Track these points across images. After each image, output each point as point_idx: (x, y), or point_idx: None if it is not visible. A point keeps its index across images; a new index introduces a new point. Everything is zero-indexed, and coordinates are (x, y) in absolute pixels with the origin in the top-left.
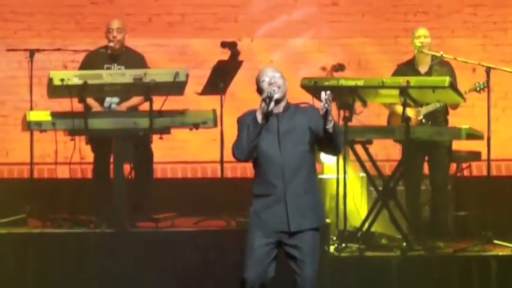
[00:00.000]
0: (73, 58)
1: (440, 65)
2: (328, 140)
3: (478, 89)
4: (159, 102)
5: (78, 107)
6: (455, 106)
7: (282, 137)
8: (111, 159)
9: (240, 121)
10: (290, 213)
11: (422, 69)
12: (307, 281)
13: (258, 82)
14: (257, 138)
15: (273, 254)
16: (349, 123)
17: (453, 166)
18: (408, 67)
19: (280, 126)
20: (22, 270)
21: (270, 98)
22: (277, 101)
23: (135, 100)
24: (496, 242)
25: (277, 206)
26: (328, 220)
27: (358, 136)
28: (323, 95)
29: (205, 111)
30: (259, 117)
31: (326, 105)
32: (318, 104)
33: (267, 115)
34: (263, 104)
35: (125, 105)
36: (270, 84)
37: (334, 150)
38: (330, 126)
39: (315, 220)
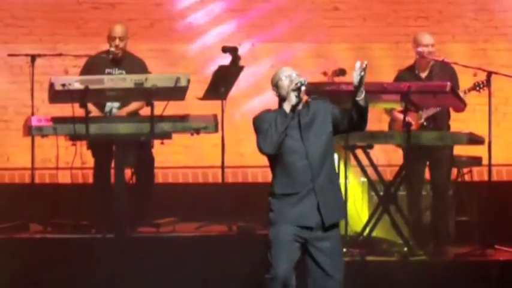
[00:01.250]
0: (74, 63)
1: (442, 69)
2: (357, 114)
3: (477, 88)
4: (160, 107)
5: (79, 112)
6: (458, 109)
7: (304, 131)
8: (112, 165)
9: (258, 120)
10: (322, 207)
11: (423, 74)
12: (338, 283)
13: (277, 80)
14: (286, 131)
15: (299, 252)
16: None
17: (454, 171)
18: (409, 72)
19: (301, 121)
20: (23, 276)
21: (301, 85)
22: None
23: (135, 105)
24: (497, 247)
25: (305, 202)
26: None
27: (359, 141)
28: (358, 64)
29: (207, 116)
30: (288, 109)
31: (362, 73)
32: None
33: (296, 106)
34: (293, 95)
35: (125, 110)
36: (292, 80)
37: (360, 125)
38: (361, 97)
39: (343, 211)
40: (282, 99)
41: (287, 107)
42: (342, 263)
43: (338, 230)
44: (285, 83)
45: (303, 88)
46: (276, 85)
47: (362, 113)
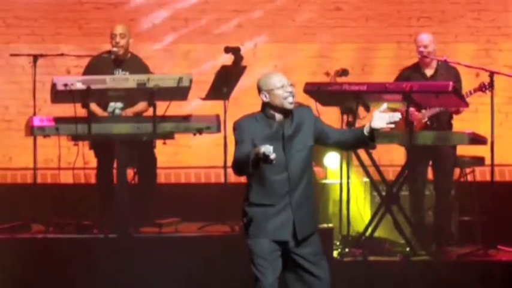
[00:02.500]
0: (76, 63)
1: (446, 69)
2: (359, 142)
3: (483, 89)
4: (162, 107)
5: (81, 112)
6: (457, 111)
7: (286, 143)
8: (114, 165)
9: (238, 128)
10: (297, 222)
11: (429, 72)
12: (325, 282)
13: (269, 87)
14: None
15: (281, 263)
16: (353, 128)
17: (457, 171)
18: (413, 70)
19: (285, 133)
20: (25, 276)
21: (267, 160)
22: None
23: (140, 106)
24: (499, 247)
25: (281, 216)
26: (331, 225)
27: None
28: (393, 117)
29: (209, 116)
30: (250, 167)
31: (391, 125)
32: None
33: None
34: (256, 157)
35: (129, 111)
36: (290, 92)
37: (355, 148)
38: (374, 137)
39: (315, 224)
40: (270, 106)
41: (250, 161)
42: (326, 263)
43: (316, 234)
44: (280, 93)
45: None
46: (267, 91)
47: (365, 144)
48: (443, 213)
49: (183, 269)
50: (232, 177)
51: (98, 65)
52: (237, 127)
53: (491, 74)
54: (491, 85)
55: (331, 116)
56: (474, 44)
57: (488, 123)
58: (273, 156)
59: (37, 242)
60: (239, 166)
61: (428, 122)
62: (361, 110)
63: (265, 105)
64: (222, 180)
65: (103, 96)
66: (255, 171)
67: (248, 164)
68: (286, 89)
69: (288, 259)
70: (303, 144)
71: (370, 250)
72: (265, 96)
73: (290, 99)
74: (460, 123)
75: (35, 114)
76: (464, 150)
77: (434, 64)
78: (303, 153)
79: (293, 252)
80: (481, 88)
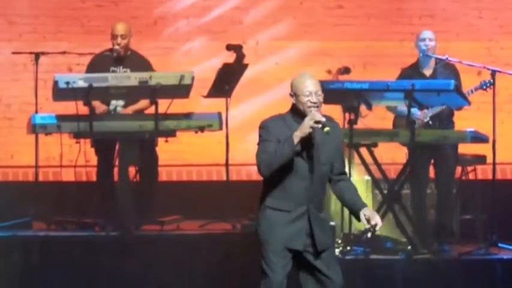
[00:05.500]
0: (78, 61)
1: (445, 68)
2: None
3: (484, 87)
4: (164, 105)
5: (83, 109)
6: (460, 107)
7: (315, 153)
8: (116, 162)
9: (265, 127)
10: (315, 232)
11: (427, 71)
12: (338, 285)
13: (297, 91)
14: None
15: (291, 261)
16: (355, 126)
17: (458, 169)
18: (413, 70)
19: (315, 141)
20: (27, 273)
21: (320, 125)
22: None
23: (141, 104)
24: (501, 245)
25: (296, 224)
26: (333, 223)
27: (363, 139)
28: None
29: (211, 114)
30: (296, 140)
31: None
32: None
33: (304, 141)
34: (307, 129)
35: (131, 109)
36: (313, 102)
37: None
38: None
39: (332, 237)
40: (297, 108)
41: (297, 136)
42: (339, 266)
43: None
44: (304, 100)
45: (325, 131)
46: (295, 94)
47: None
48: (445, 212)
49: (185, 266)
50: (234, 175)
51: (100, 63)
52: (263, 126)
53: (493, 73)
54: (492, 83)
55: (333, 114)
56: (476, 42)
57: (490, 121)
58: (324, 120)
59: (39, 240)
60: (269, 160)
61: (430, 122)
62: (363, 108)
63: (293, 106)
64: (224, 178)
65: (105, 94)
66: (292, 155)
67: (282, 152)
68: (311, 99)
69: (302, 259)
70: (327, 158)
71: (372, 248)
72: (293, 98)
73: (313, 109)
74: (462, 122)
75: (36, 112)
76: (466, 148)
77: (432, 63)
78: (326, 167)
79: (308, 251)
80: (482, 86)
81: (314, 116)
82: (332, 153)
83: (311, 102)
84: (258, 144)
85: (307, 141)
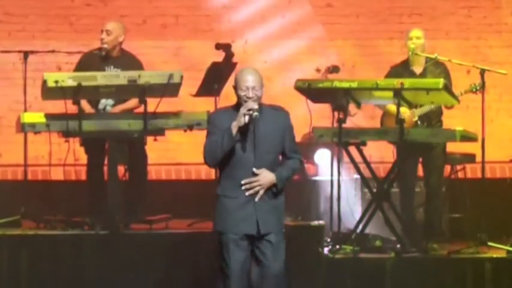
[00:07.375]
0: (67, 60)
1: (435, 66)
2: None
3: (474, 89)
4: (153, 104)
5: (72, 108)
6: (450, 106)
7: (257, 143)
8: (105, 161)
9: (212, 120)
10: (258, 215)
11: (417, 70)
12: (276, 271)
13: (237, 84)
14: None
15: (248, 260)
16: (343, 125)
17: (447, 168)
18: (403, 68)
19: (256, 131)
20: (16, 272)
21: (251, 116)
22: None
23: (131, 103)
24: (490, 244)
25: (244, 210)
26: (322, 222)
27: (352, 138)
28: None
29: (200, 112)
30: (234, 130)
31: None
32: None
33: (242, 130)
34: (242, 119)
35: (120, 108)
36: (249, 97)
37: None
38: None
39: (279, 223)
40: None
41: (234, 127)
42: (283, 253)
43: (279, 233)
44: (241, 94)
45: (254, 116)
46: (235, 87)
47: None
48: (434, 210)
49: (173, 265)
50: None
51: (89, 61)
52: (210, 120)
53: (482, 71)
54: (482, 86)
55: (321, 113)
56: (465, 40)
57: (479, 120)
58: (256, 107)
59: (28, 239)
60: (212, 151)
61: (419, 122)
62: (351, 107)
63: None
64: (213, 176)
65: (94, 93)
66: (232, 144)
67: (222, 143)
68: (248, 94)
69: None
70: (273, 147)
71: (361, 247)
72: (234, 91)
73: (253, 106)
74: (451, 120)
75: (25, 110)
76: (455, 147)
77: (422, 61)
78: (271, 156)
79: (254, 243)
80: (471, 89)
81: (247, 105)
82: (278, 142)
83: (247, 97)
84: (206, 137)
85: (250, 132)
